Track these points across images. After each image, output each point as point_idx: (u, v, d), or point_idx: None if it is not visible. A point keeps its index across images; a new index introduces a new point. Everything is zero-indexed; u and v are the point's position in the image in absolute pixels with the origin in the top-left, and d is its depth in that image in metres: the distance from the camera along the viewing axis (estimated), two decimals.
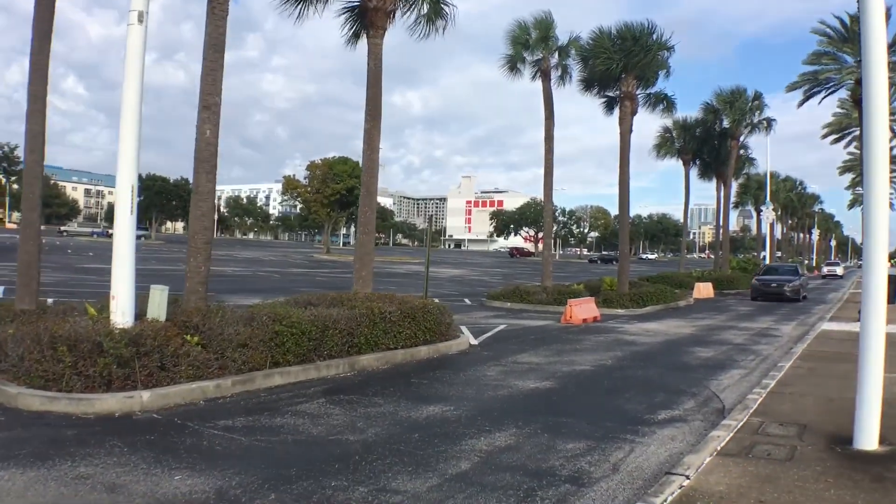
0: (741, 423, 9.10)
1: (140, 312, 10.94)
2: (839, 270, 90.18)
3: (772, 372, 13.56)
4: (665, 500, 6.15)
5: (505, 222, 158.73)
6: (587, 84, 32.12)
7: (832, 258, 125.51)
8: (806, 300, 39.71)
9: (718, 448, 7.89)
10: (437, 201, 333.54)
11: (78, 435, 8.08)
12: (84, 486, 6.42)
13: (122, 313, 10.50)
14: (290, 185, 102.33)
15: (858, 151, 51.04)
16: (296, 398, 10.50)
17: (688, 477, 6.79)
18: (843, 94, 39.55)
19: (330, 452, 7.86)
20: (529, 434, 9.02)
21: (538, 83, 30.60)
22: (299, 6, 18.26)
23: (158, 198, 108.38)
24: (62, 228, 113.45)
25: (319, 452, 7.85)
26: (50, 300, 13.89)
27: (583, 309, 23.72)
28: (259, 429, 8.73)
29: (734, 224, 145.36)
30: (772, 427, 8.95)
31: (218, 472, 6.95)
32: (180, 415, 9.19)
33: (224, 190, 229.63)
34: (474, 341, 17.31)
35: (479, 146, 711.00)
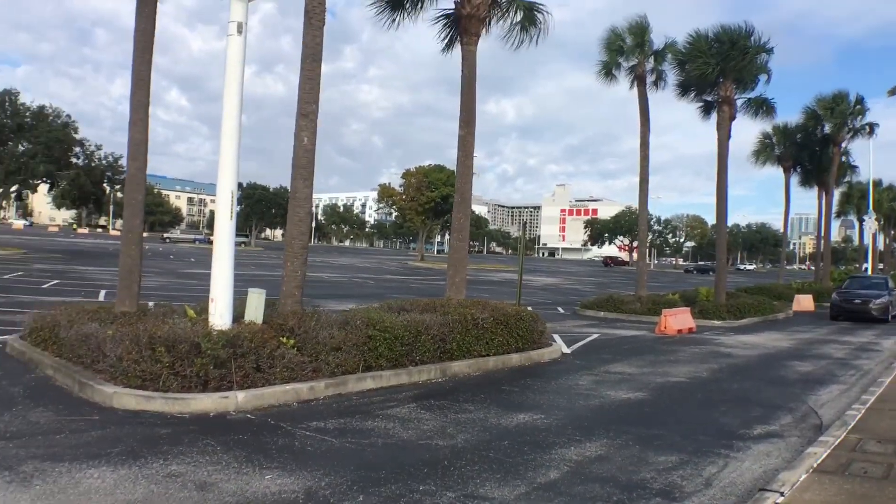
0: (838, 440, 8.80)
1: (237, 315, 11.24)
2: None
3: (871, 388, 13.05)
4: None
5: (599, 231, 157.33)
6: (683, 89, 31.55)
7: None
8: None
9: (815, 465, 7.64)
10: (532, 210, 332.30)
11: (171, 434, 8.31)
12: (174, 484, 6.59)
13: (220, 315, 10.82)
14: (385, 193, 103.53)
15: None
16: (387, 402, 10.61)
17: (782, 494, 6.60)
18: None
19: (419, 457, 7.91)
20: (621, 445, 8.90)
21: (633, 90, 30.24)
22: (395, 14, 18.55)
23: (259, 206, 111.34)
24: (165, 235, 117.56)
25: (409, 456, 7.91)
26: (150, 303, 14.36)
27: (678, 319, 23.27)
28: (350, 431, 8.86)
29: (836, 234, 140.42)
30: (870, 444, 8.63)
31: (308, 473, 7.08)
32: (273, 415, 9.40)
33: (321, 198, 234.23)
34: (567, 350, 17.18)
35: (573, 154, 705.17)
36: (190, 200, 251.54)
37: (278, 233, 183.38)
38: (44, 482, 6.43)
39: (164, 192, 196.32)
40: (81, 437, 7.96)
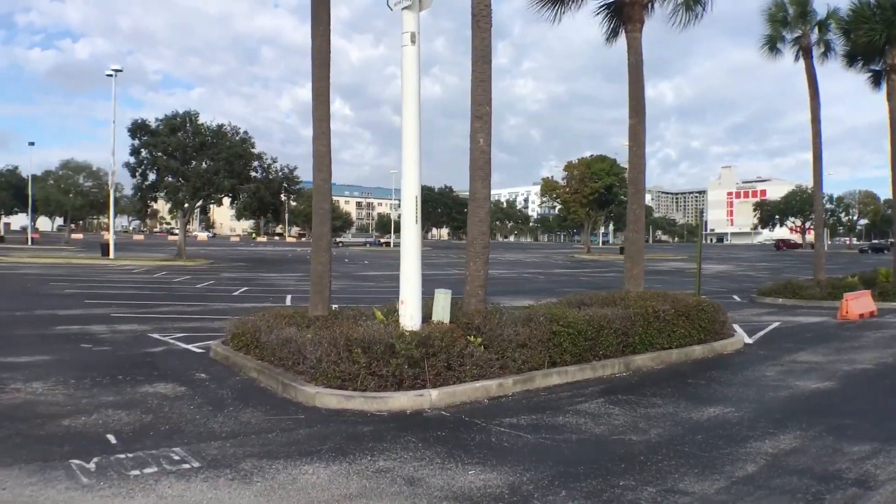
0: None
1: (425, 315, 11.58)
2: None
3: None
4: None
5: (769, 213, 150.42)
6: (850, 59, 29.70)
7: None
8: None
9: None
10: (697, 194, 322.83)
11: (374, 431, 8.65)
12: (385, 480, 6.87)
13: (410, 317, 11.21)
14: (547, 187, 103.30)
15: None
16: (575, 398, 10.66)
17: None
18: None
19: (614, 452, 7.93)
20: (814, 437, 8.62)
21: (798, 63, 28.86)
22: (556, 7, 18.57)
23: (424, 206, 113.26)
24: (338, 240, 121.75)
25: (604, 451, 7.94)
26: (335, 306, 14.98)
27: (859, 303, 22.09)
28: (543, 427, 8.97)
29: None
30: None
31: (508, 468, 7.24)
32: (466, 412, 9.64)
33: None
34: (748, 340, 16.67)
35: (737, 134, 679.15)
36: (358, 205, 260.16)
37: (444, 231, 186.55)
38: (263, 479, 6.84)
39: (333, 197, 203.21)
40: (291, 436, 8.41)
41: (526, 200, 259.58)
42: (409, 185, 11.49)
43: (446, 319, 11.57)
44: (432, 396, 9.89)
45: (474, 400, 10.24)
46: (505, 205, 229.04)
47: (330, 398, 9.84)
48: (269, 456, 7.56)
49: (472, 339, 10.99)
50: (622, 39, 18.26)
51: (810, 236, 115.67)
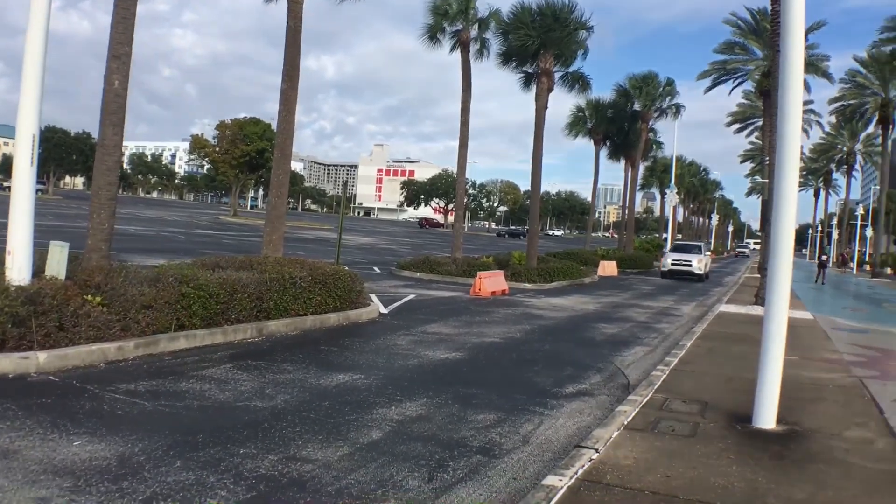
0: (646, 399, 9.29)
1: (38, 270, 10.44)
2: (747, 251, 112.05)
3: (674, 350, 13.89)
4: (576, 473, 6.21)
5: (416, 192, 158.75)
6: (506, 58, 32.11)
7: (733, 241, 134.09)
8: (705, 281, 42.15)
9: (625, 423, 8.03)
10: (349, 168, 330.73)
11: None
12: None
13: (18, 270, 9.99)
14: (197, 145, 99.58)
15: (760, 141, 52.83)
16: (202, 363, 10.22)
17: (597, 450, 6.88)
18: (749, 86, 40.78)
19: (238, 419, 7.67)
20: (440, 404, 9.01)
21: (456, 55, 30.46)
22: None
23: (58, 151, 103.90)
24: None
25: (227, 419, 7.65)
26: None
27: (492, 282, 23.88)
28: (163, 393, 8.46)
29: (639, 205, 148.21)
30: (675, 403, 9.16)
31: (120, 438, 6.69)
32: (79, 377, 8.83)
33: (128, 146, 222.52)
34: (384, 310, 17.21)
35: (392, 115, 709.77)
36: None
37: (79, 181, 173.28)
38: None
39: None
40: None
41: (174, 156, 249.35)
42: (27, 121, 10.17)
43: (62, 275, 10.50)
44: (39, 359, 8.91)
45: (89, 364, 9.42)
46: (150, 158, 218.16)
47: None
48: None
49: (90, 297, 10.07)
50: (284, 2, 17.89)
51: (452, 217, 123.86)
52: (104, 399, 8.00)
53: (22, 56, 10.19)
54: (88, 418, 7.25)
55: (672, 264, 42.35)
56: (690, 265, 41.88)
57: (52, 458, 6.08)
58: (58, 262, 10.58)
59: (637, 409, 8.68)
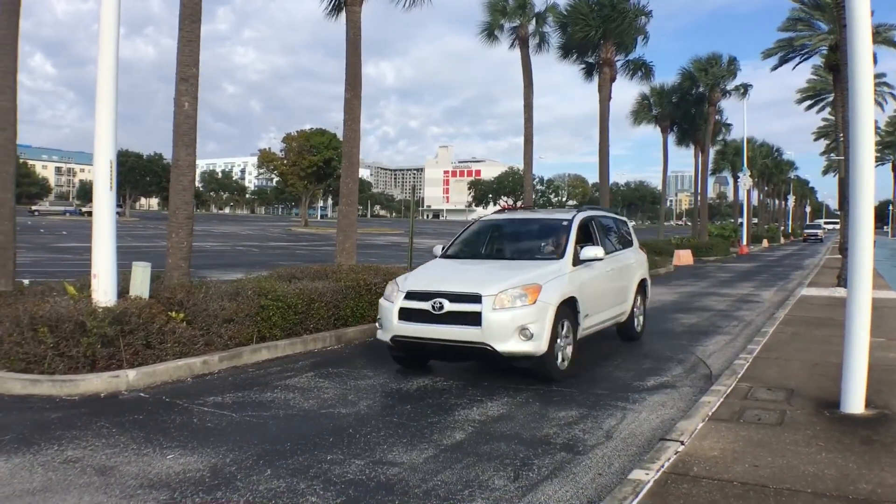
0: (730, 389, 9.12)
1: (122, 290, 10.77)
2: (820, 233, 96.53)
3: (756, 337, 13.60)
4: (662, 466, 6.15)
5: (483, 192, 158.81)
6: (565, 51, 32.00)
7: (809, 222, 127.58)
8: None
9: (710, 413, 7.90)
10: (415, 171, 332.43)
11: (63, 417, 7.93)
12: (73, 470, 6.28)
13: (104, 292, 10.33)
14: (265, 158, 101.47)
15: (833, 118, 51.44)
16: (284, 372, 10.42)
17: (682, 443, 6.79)
18: (818, 61, 39.60)
19: (323, 426, 7.80)
20: (521, 403, 8.96)
21: (515, 52, 30.45)
22: None
23: (132, 174, 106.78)
24: (33, 208, 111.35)
25: (312, 426, 7.78)
26: (26, 281, 13.60)
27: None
28: (249, 404, 8.65)
29: (711, 191, 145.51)
30: (760, 392, 8.98)
31: (211, 450, 6.88)
32: (168, 393, 9.09)
33: (199, 164, 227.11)
34: None
35: (454, 116, 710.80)
36: (58, 170, 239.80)
37: (154, 202, 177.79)
38: None
39: (29, 161, 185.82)
40: None
41: (243, 172, 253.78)
42: (104, 148, 10.52)
43: (145, 294, 10.82)
44: (130, 377, 9.21)
45: (177, 379, 9.69)
46: (220, 175, 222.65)
47: (13, 383, 8.91)
48: None
49: (173, 314, 10.37)
50: (344, 14, 18.12)
51: None
52: (193, 412, 8.22)
53: (92, 85, 10.52)
54: (180, 432, 7.46)
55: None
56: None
57: (148, 472, 6.27)
58: (141, 281, 10.90)
59: (721, 400, 8.55)
